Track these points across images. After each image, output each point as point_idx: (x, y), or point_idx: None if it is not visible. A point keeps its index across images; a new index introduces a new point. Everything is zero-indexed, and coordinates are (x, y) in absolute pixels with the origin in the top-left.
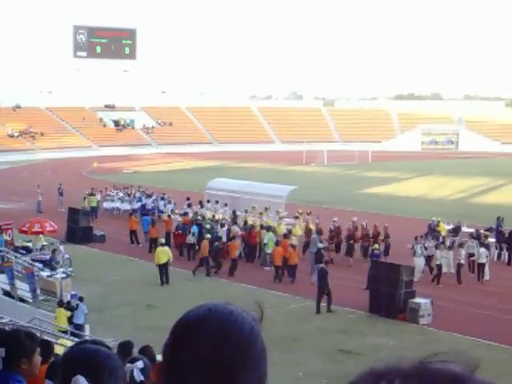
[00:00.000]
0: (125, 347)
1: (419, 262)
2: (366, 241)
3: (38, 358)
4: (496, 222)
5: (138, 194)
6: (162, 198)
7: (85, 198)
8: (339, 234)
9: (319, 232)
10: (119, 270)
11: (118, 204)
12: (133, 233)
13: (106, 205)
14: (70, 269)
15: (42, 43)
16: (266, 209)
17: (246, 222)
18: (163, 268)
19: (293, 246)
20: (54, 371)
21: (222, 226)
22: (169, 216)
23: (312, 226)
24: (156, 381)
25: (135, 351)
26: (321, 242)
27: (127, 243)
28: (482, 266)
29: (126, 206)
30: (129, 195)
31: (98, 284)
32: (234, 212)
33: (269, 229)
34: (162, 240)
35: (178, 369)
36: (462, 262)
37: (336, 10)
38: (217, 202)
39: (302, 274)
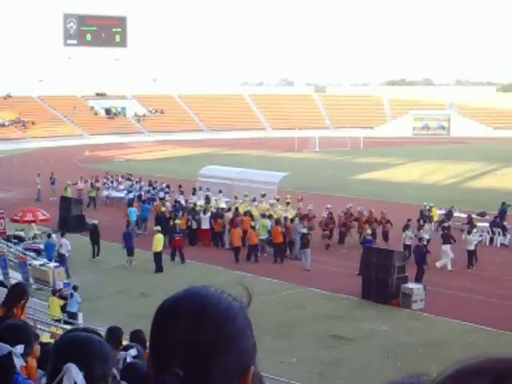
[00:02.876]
0: (113, 333)
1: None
2: (362, 227)
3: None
4: (500, 208)
5: (143, 183)
6: (164, 188)
7: (66, 188)
8: (333, 220)
9: (301, 217)
10: (112, 258)
11: (114, 192)
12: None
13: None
14: None
15: (32, 32)
16: (262, 195)
17: (237, 209)
18: (158, 256)
19: (252, 227)
20: (45, 360)
21: (205, 212)
22: (163, 204)
23: (303, 212)
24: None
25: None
26: (305, 227)
27: (119, 231)
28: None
29: (121, 194)
30: (119, 183)
31: (91, 272)
32: (206, 197)
33: (264, 216)
34: (158, 227)
35: (158, 352)
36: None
37: None
38: (200, 188)
39: (294, 260)
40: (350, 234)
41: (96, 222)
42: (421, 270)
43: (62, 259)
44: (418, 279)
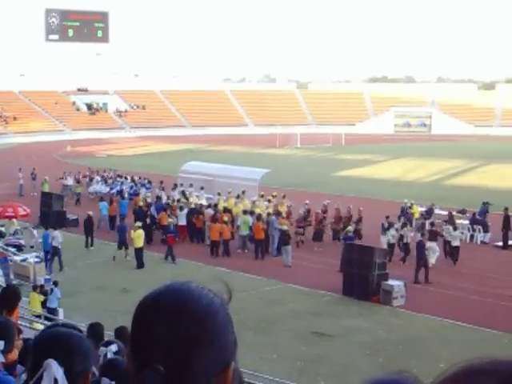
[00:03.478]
0: (95, 329)
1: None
2: (337, 224)
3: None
4: (481, 207)
5: (123, 179)
6: (145, 184)
7: (43, 184)
8: (309, 216)
9: (277, 213)
10: (93, 253)
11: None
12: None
13: (91, 189)
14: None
15: (13, 27)
16: (242, 192)
17: (216, 205)
18: (139, 252)
19: (225, 222)
20: (25, 356)
21: (182, 209)
22: (145, 200)
23: (282, 209)
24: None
25: (109, 334)
26: (281, 224)
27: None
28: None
29: (105, 190)
30: (106, 180)
31: (71, 268)
32: (183, 193)
33: (245, 212)
34: (139, 223)
35: (139, 348)
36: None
37: None
38: (181, 184)
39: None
40: (325, 231)
41: (91, 213)
42: (427, 267)
43: (54, 252)
44: (426, 277)
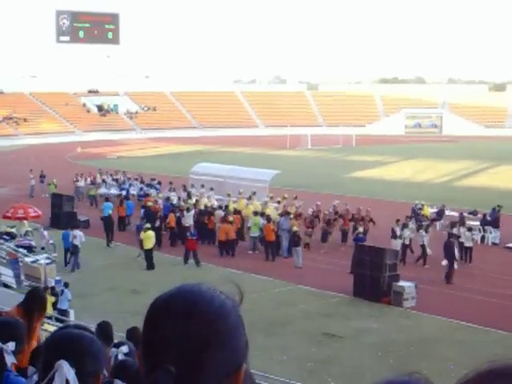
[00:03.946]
0: (103, 328)
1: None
2: (346, 224)
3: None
4: (491, 211)
5: (132, 180)
6: (155, 184)
7: (50, 185)
8: (317, 218)
9: (286, 214)
10: (103, 255)
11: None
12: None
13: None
14: (55, 254)
15: (24, 28)
16: (253, 193)
17: (227, 207)
18: (149, 253)
19: (230, 222)
20: (37, 357)
21: (188, 210)
22: (155, 201)
23: (291, 210)
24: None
25: (120, 335)
26: (294, 225)
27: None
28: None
29: (115, 192)
30: (117, 180)
31: (82, 269)
32: (188, 194)
33: (256, 213)
34: (148, 225)
35: (150, 349)
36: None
37: None
38: (192, 185)
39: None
40: (331, 232)
41: (110, 211)
42: (452, 267)
43: (74, 250)
44: (448, 277)
